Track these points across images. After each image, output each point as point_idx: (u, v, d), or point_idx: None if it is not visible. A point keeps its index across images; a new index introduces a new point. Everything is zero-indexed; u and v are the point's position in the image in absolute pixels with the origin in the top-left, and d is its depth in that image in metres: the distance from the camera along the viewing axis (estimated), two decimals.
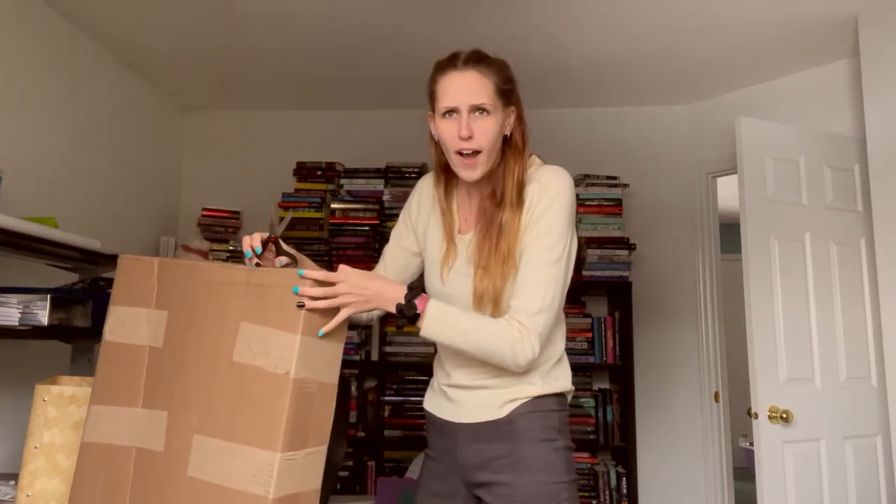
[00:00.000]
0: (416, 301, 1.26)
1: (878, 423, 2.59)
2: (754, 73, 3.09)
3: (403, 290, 1.27)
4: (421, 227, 1.50)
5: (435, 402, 1.46)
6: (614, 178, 3.27)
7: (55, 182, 2.61)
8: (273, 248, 1.39)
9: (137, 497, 1.23)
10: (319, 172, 3.43)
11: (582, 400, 3.18)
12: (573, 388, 1.44)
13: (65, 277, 2.37)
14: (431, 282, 1.46)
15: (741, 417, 5.49)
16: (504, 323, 1.29)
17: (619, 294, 3.20)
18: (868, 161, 2.50)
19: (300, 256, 1.43)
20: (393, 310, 1.27)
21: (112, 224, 2.99)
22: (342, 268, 1.25)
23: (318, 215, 3.35)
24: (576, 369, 3.19)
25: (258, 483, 1.13)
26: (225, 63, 3.07)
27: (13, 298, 1.79)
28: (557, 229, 1.31)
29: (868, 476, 2.55)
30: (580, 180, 3.25)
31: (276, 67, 3.12)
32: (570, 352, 3.40)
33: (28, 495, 1.45)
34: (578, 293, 3.33)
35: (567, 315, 3.17)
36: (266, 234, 1.35)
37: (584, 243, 3.17)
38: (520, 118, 1.40)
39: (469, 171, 1.34)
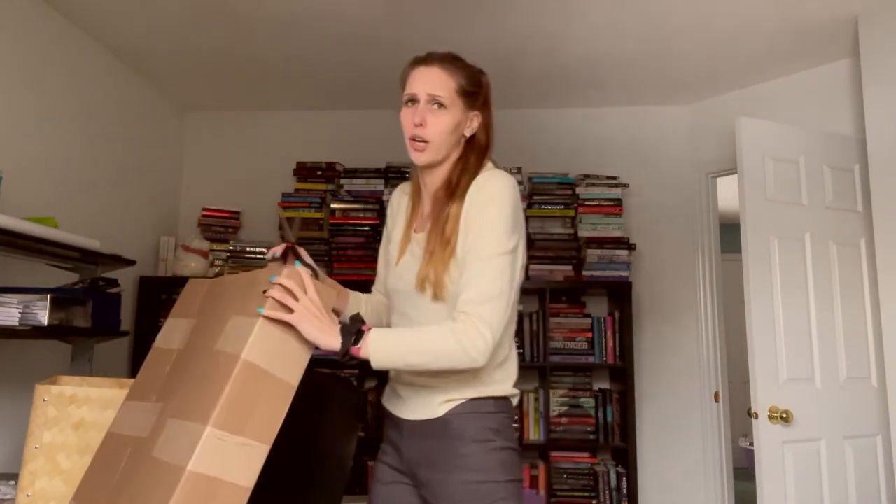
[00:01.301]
0: (361, 326, 1.28)
1: (878, 423, 2.60)
2: (754, 73, 3.09)
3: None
4: (388, 239, 1.58)
5: (388, 398, 1.52)
6: (614, 178, 3.27)
7: (55, 182, 2.61)
8: (293, 257, 1.45)
9: (121, 480, 1.26)
10: (319, 172, 3.43)
11: (582, 400, 3.18)
12: (518, 391, 1.44)
13: (65, 277, 2.38)
14: (387, 278, 1.53)
15: (741, 417, 5.50)
16: (446, 322, 1.30)
17: (619, 294, 3.20)
18: (868, 161, 2.51)
19: (322, 274, 1.47)
20: (336, 337, 1.25)
21: (112, 224, 3.00)
22: (325, 289, 1.29)
23: (318, 215, 3.35)
24: (576, 369, 3.23)
25: (183, 455, 1.10)
26: (225, 63, 3.07)
27: (13, 298, 1.79)
28: (498, 227, 1.33)
29: (868, 476, 2.55)
30: (580, 180, 3.25)
31: (276, 67, 3.12)
32: (570, 352, 3.39)
33: (28, 495, 1.45)
34: (578, 293, 3.33)
35: (567, 315, 3.22)
36: (283, 246, 1.44)
37: (585, 243, 3.17)
38: (485, 125, 1.47)
39: (416, 154, 1.42)
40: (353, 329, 1.26)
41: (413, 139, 1.40)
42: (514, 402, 1.44)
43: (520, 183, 3.26)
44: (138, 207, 3.24)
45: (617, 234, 3.20)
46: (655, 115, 3.52)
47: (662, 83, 3.23)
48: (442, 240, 1.36)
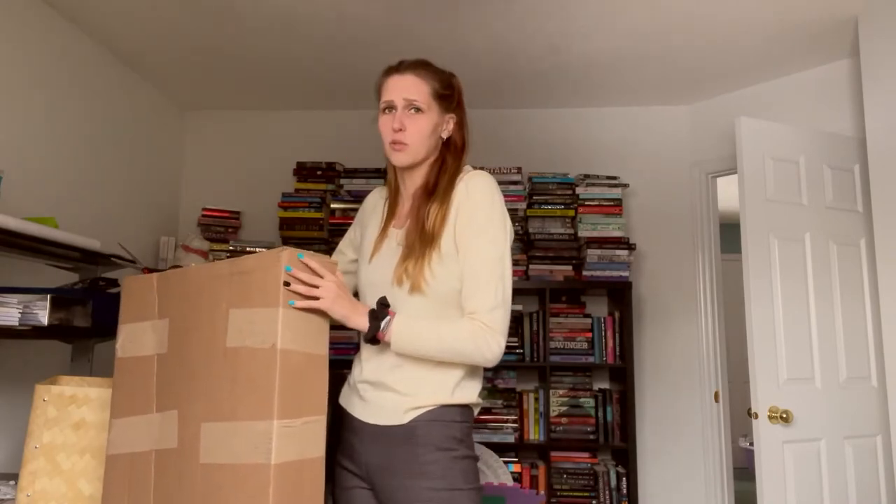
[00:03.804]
0: (387, 310, 1.35)
1: (878, 423, 2.60)
2: (754, 73, 3.09)
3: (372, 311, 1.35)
4: (361, 235, 1.60)
5: (348, 399, 1.49)
6: (614, 178, 3.27)
7: (55, 182, 2.61)
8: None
9: (160, 496, 1.26)
10: (319, 172, 3.43)
11: (582, 400, 3.18)
12: (481, 401, 1.47)
13: (65, 277, 2.37)
14: (359, 273, 1.53)
15: (741, 417, 5.50)
16: (465, 321, 1.35)
17: (619, 294, 3.20)
18: (868, 161, 2.51)
19: None
20: (365, 317, 1.33)
21: (112, 224, 3.00)
22: (327, 260, 1.33)
23: (318, 215, 3.35)
24: (576, 369, 3.23)
25: (260, 453, 1.16)
26: (225, 63, 3.07)
27: (13, 298, 1.79)
28: (492, 228, 1.39)
29: (868, 476, 2.55)
30: (580, 180, 3.25)
31: (275, 67, 3.12)
32: (570, 352, 3.39)
33: (28, 495, 1.45)
34: (578, 293, 3.33)
35: (567, 315, 3.22)
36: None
37: (585, 243, 3.17)
38: (460, 125, 1.51)
39: (396, 155, 1.45)
40: (383, 315, 1.33)
41: (393, 143, 1.44)
42: (476, 411, 1.46)
43: (520, 183, 3.27)
44: (138, 207, 3.24)
45: (617, 234, 3.20)
46: (655, 115, 3.52)
47: (662, 83, 3.23)
48: (422, 235, 1.40)
